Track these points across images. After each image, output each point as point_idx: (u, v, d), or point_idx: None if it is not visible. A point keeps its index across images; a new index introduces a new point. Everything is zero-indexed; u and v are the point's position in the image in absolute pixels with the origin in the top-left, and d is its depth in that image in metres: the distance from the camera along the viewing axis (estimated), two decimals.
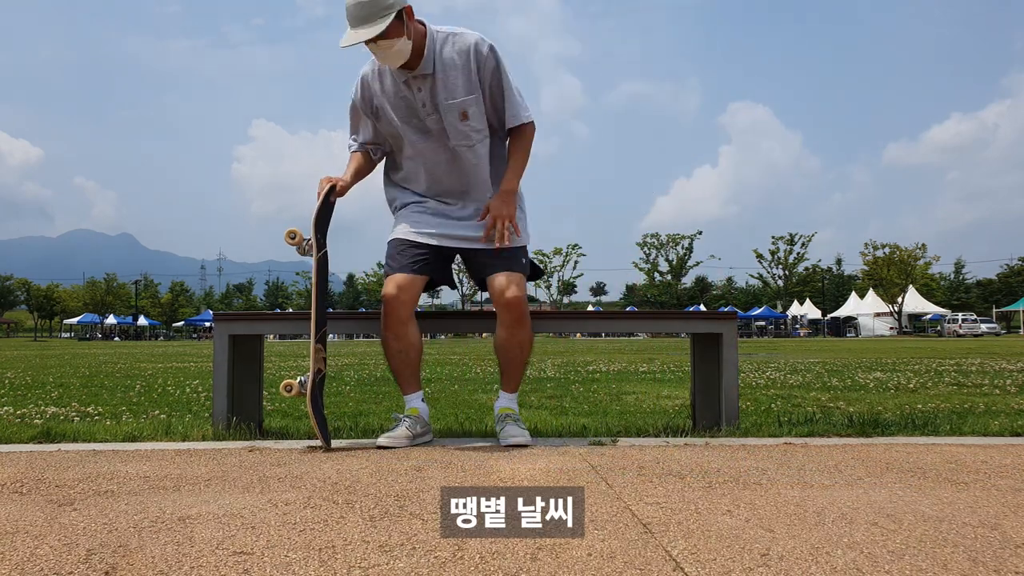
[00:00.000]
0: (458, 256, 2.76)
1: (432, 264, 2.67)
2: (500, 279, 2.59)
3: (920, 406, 3.97)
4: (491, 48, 2.53)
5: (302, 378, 2.45)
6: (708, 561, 1.27)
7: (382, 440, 2.52)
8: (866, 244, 68.27)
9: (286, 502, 1.71)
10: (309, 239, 2.54)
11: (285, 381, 2.43)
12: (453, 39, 2.53)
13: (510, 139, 2.69)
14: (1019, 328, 52.14)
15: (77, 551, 1.34)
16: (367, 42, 2.39)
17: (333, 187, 2.65)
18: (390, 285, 2.59)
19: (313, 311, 2.51)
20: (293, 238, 2.52)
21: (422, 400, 2.68)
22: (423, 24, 2.51)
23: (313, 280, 2.58)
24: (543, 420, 3.32)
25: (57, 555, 1.32)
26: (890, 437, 2.75)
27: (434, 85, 2.53)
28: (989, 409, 3.80)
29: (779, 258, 66.48)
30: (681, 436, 2.77)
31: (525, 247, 2.72)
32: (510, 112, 2.60)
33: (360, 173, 2.78)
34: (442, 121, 2.57)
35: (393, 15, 2.36)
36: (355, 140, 2.79)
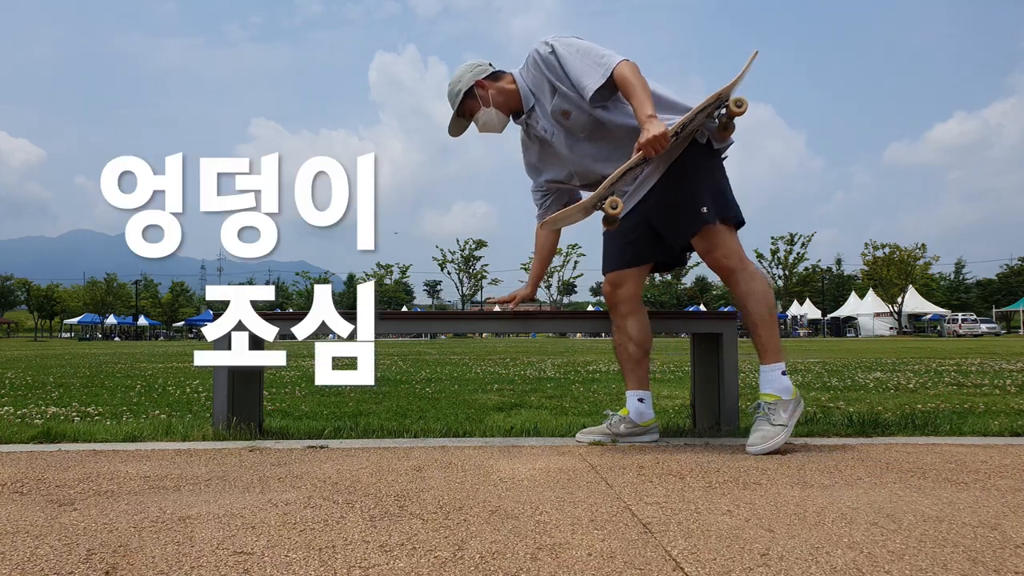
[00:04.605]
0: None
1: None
2: (698, 245, 2.55)
3: (920, 406, 3.97)
4: (545, 45, 2.52)
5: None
6: (708, 561, 1.27)
7: (578, 436, 2.68)
8: (866, 244, 68.28)
9: (286, 502, 1.71)
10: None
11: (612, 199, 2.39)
12: (526, 64, 2.60)
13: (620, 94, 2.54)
14: (1019, 328, 52.14)
15: (77, 551, 1.34)
16: (458, 129, 2.73)
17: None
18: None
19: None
20: (614, 208, 2.42)
21: (638, 400, 2.64)
22: (510, 74, 2.64)
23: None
24: (543, 420, 3.32)
25: (57, 555, 1.32)
26: (890, 437, 2.76)
27: (537, 111, 2.63)
28: (989, 409, 3.80)
29: (779, 258, 66.48)
30: (681, 436, 2.78)
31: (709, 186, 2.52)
32: (579, 87, 2.50)
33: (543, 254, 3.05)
34: (563, 131, 2.62)
35: (461, 98, 2.63)
36: (537, 193, 2.89)
